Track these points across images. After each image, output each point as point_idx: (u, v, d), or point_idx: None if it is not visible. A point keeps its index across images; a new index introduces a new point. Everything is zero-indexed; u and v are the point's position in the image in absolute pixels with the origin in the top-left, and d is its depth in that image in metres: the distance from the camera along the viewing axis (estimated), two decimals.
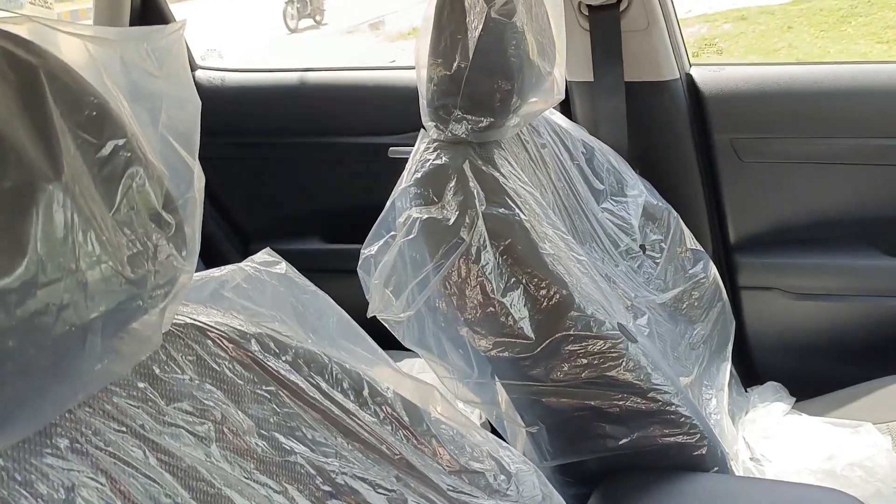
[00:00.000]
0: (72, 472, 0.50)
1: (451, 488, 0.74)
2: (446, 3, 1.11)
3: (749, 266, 1.71)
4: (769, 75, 1.66)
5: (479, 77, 1.09)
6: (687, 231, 1.53)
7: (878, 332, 1.65)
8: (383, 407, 0.74)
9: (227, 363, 0.66)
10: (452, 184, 1.08)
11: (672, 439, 1.07)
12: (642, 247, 1.49)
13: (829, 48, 5.03)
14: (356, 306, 1.11)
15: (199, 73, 2.06)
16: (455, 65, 1.10)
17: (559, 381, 1.03)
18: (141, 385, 0.58)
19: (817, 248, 1.67)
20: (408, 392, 0.79)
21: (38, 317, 0.44)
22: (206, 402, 0.62)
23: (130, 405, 0.56)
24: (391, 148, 1.87)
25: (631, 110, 1.62)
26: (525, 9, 1.13)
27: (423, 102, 1.17)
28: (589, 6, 1.58)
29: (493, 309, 1.02)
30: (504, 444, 0.84)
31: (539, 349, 1.02)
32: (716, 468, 1.11)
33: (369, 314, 1.06)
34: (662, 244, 1.50)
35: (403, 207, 1.11)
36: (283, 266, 0.82)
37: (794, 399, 1.52)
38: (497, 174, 1.11)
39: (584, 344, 1.02)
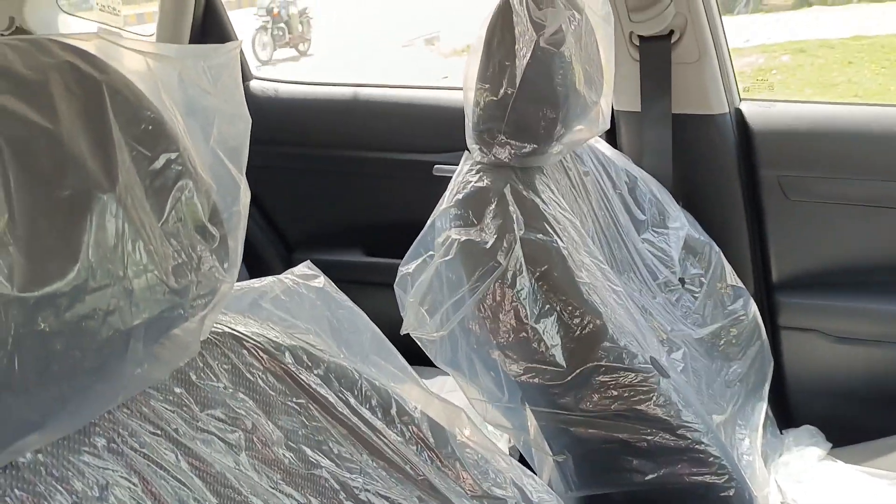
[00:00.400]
0: (107, 470, 0.51)
1: None
2: (496, 29, 1.13)
3: (790, 306, 1.68)
4: (820, 114, 1.64)
5: (525, 104, 1.10)
6: (728, 267, 1.52)
7: None
8: (410, 427, 0.75)
9: (260, 373, 0.67)
10: (492, 207, 1.09)
11: (700, 478, 1.06)
12: (681, 280, 1.48)
13: (889, 86, 4.92)
14: (392, 320, 1.13)
15: (253, 83, 2.11)
16: (502, 91, 1.12)
17: (588, 412, 1.02)
18: (177, 390, 0.60)
19: (861, 292, 1.64)
20: (435, 412, 0.80)
21: (86, 320, 0.46)
22: (238, 410, 0.64)
23: (166, 409, 0.58)
24: (436, 166, 1.89)
25: (677, 142, 1.61)
26: (574, 38, 1.14)
27: (468, 125, 1.19)
28: (640, 37, 1.59)
29: (525, 334, 1.02)
30: (528, 472, 0.84)
31: (570, 378, 1.02)
32: None
33: (403, 331, 1.07)
34: (702, 278, 1.49)
35: (443, 228, 1.12)
36: (321, 280, 0.84)
37: (831, 445, 1.49)
38: (537, 200, 1.12)
39: (615, 375, 1.02)
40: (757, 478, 1.34)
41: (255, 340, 0.69)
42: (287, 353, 0.71)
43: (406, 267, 1.13)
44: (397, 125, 2.01)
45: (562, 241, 1.08)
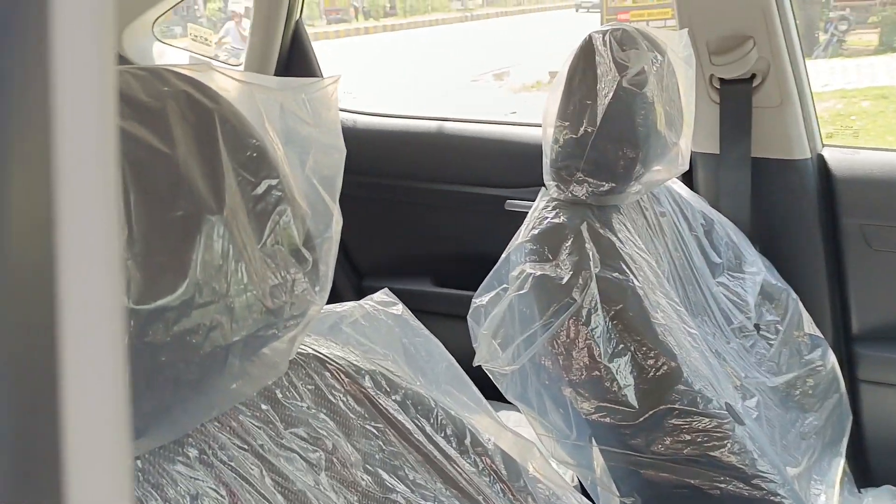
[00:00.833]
0: (197, 481, 0.54)
1: None
2: (578, 68, 1.15)
3: (871, 359, 1.62)
4: None
5: (605, 143, 1.11)
6: (806, 315, 1.48)
7: None
8: (483, 458, 0.76)
9: (341, 396, 0.69)
10: (569, 243, 1.10)
11: None
12: (757, 326, 1.45)
13: None
14: (460, 351, 1.14)
15: None
16: (582, 129, 1.13)
17: (660, 455, 1.01)
18: (264, 407, 0.62)
19: None
20: (507, 445, 0.80)
21: (191, 335, 0.49)
22: (319, 430, 0.65)
23: (253, 425, 0.60)
24: (508, 201, 1.90)
25: (756, 186, 1.59)
26: (657, 80, 1.14)
27: (546, 161, 1.20)
28: (721, 79, 1.58)
29: (598, 373, 1.02)
30: None
31: (642, 419, 1.01)
32: None
33: (475, 363, 1.08)
34: (778, 325, 1.46)
35: (518, 262, 1.13)
36: (399, 307, 0.86)
37: None
38: (614, 238, 1.12)
39: (688, 420, 1.00)
40: None
41: (337, 363, 0.71)
42: (367, 378, 0.72)
43: (480, 299, 1.14)
44: (471, 159, 2.03)
45: (637, 280, 1.08)
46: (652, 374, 1.01)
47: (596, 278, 1.05)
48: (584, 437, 1.09)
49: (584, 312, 1.03)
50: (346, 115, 2.18)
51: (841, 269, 1.63)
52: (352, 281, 2.19)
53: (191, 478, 0.53)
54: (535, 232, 1.14)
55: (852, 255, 1.61)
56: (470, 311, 1.14)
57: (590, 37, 1.16)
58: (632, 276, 1.08)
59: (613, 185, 1.14)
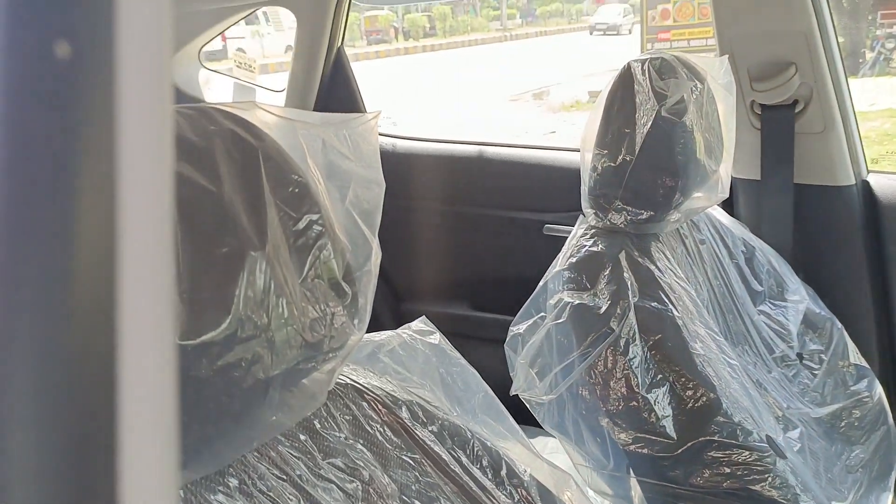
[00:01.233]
0: None
1: None
2: (617, 96, 1.15)
3: None
4: None
5: (644, 172, 1.11)
6: (851, 345, 1.45)
7: None
8: (519, 489, 0.76)
9: (378, 426, 0.70)
10: (607, 272, 1.10)
11: None
12: (800, 355, 1.42)
13: None
14: (498, 376, 1.14)
15: None
16: (620, 157, 1.13)
17: (698, 487, 1.00)
18: (302, 437, 0.63)
19: None
20: (543, 476, 0.80)
21: (234, 368, 0.50)
22: (356, 461, 0.66)
23: (292, 455, 0.61)
24: (546, 225, 1.90)
25: (798, 213, 1.57)
26: (696, 107, 1.14)
27: (584, 189, 1.20)
28: (762, 105, 1.56)
29: (636, 403, 1.01)
30: None
31: (680, 451, 1.00)
32: None
33: (513, 392, 1.08)
34: (822, 355, 1.43)
35: (555, 290, 1.13)
36: (436, 336, 0.86)
37: None
38: (652, 267, 1.12)
39: (728, 452, 0.99)
40: None
41: (374, 393, 0.72)
42: (404, 408, 0.73)
43: (517, 327, 1.14)
44: (510, 183, 2.04)
45: (676, 310, 1.07)
46: (690, 405, 1.00)
47: (634, 308, 1.05)
48: (621, 467, 1.09)
49: (622, 342, 1.02)
50: (386, 140, 2.21)
51: (887, 298, 1.59)
52: (390, 305, 2.21)
53: None
54: (574, 260, 1.14)
55: None
56: (507, 339, 1.14)
57: (629, 65, 1.16)
58: (670, 306, 1.07)
59: (652, 213, 1.14)
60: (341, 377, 0.71)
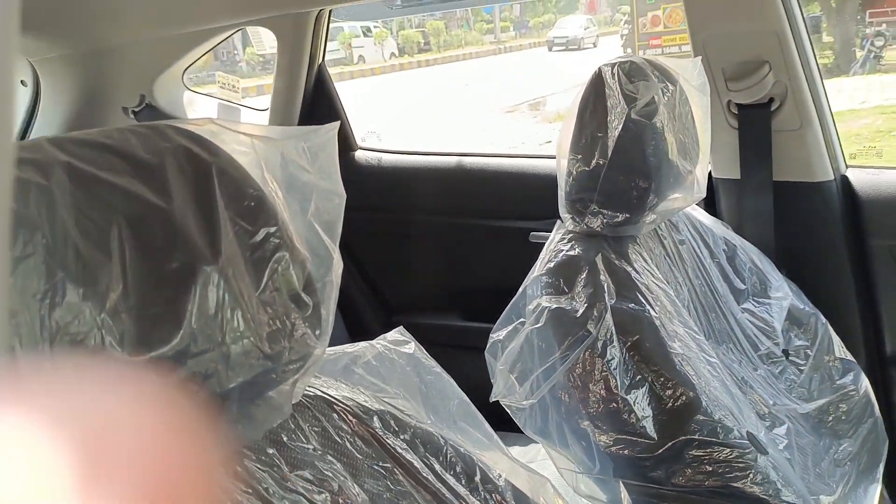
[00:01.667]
0: None
1: None
2: (589, 102, 1.16)
3: None
4: None
5: (617, 175, 1.11)
6: (836, 339, 1.45)
7: None
8: (493, 495, 0.76)
9: (349, 437, 0.70)
10: (583, 276, 1.10)
11: None
12: (785, 352, 1.42)
13: None
14: (488, 385, 1.14)
15: (358, 153, 2.21)
16: (594, 161, 1.13)
17: (681, 487, 1.00)
18: (270, 451, 0.63)
19: None
20: (520, 481, 0.80)
21: (187, 383, 0.50)
22: (325, 472, 0.66)
23: (258, 469, 0.62)
24: (532, 233, 1.91)
25: (779, 210, 1.57)
26: (667, 109, 1.15)
27: (561, 194, 1.21)
28: (739, 105, 1.57)
29: (616, 405, 1.01)
30: None
31: (661, 451, 1.00)
32: None
33: (492, 398, 1.08)
34: (808, 350, 1.43)
35: (534, 295, 1.14)
36: (412, 346, 0.87)
37: None
38: (630, 269, 1.12)
39: (709, 450, 0.99)
40: None
41: (344, 404, 0.72)
42: (375, 418, 0.73)
43: (497, 334, 1.14)
44: (495, 193, 2.05)
45: (654, 310, 1.08)
46: (670, 404, 1.01)
47: (611, 310, 1.05)
48: (607, 470, 1.09)
49: (600, 345, 1.03)
50: (372, 154, 2.22)
51: (871, 292, 1.60)
52: (381, 317, 2.21)
53: None
54: (551, 265, 1.14)
55: (882, 277, 1.58)
56: (487, 346, 1.15)
57: (599, 70, 1.17)
58: (648, 307, 1.07)
59: (628, 215, 1.14)
60: (310, 389, 0.71)
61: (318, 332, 0.63)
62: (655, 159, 1.12)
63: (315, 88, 2.10)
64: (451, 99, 9.73)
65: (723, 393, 1.06)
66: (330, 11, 2.04)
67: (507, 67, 11.38)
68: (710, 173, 1.70)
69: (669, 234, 1.32)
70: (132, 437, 0.24)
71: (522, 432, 1.15)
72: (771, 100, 1.55)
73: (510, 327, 1.14)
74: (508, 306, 1.17)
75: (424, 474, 0.73)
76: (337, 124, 0.68)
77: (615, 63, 1.15)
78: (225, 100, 2.37)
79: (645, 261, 1.17)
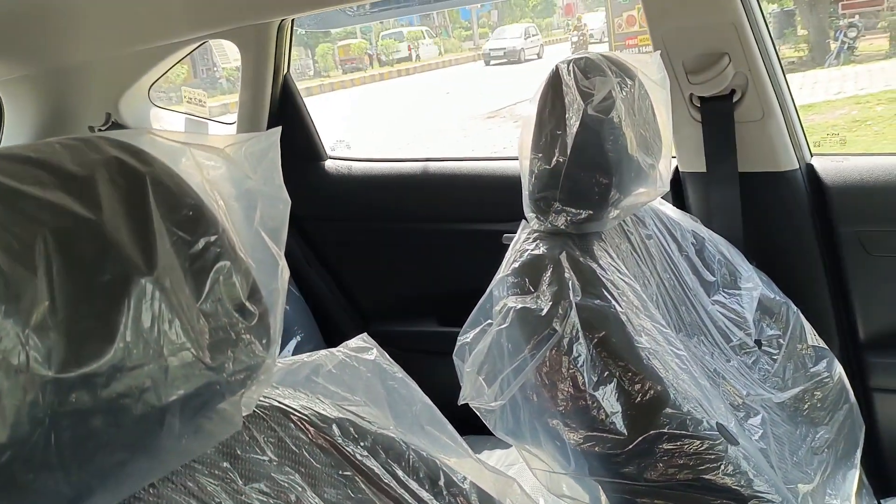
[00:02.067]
0: None
1: None
2: (548, 99, 1.15)
3: (881, 366, 1.59)
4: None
5: (577, 172, 1.11)
6: (809, 327, 1.46)
7: None
8: (458, 498, 0.75)
9: (306, 447, 0.69)
10: (548, 274, 1.10)
11: None
12: (758, 342, 1.42)
13: None
14: None
15: (328, 162, 2.20)
16: (554, 159, 1.13)
17: (653, 482, 0.99)
18: (224, 464, 0.62)
19: None
20: (485, 483, 0.80)
21: (122, 398, 0.49)
22: (282, 483, 0.65)
23: (210, 483, 0.60)
24: (504, 235, 1.90)
25: (746, 201, 1.58)
26: (625, 104, 1.15)
27: (525, 194, 1.20)
28: (701, 98, 1.58)
29: (584, 402, 1.01)
30: None
31: (632, 445, 0.99)
32: None
33: (461, 401, 1.07)
34: (780, 340, 1.44)
35: (500, 296, 1.13)
36: (373, 352, 0.86)
37: None
38: (594, 265, 1.12)
39: (679, 443, 0.99)
40: None
41: (301, 414, 0.71)
42: (334, 426, 0.72)
43: (464, 336, 1.14)
44: (465, 196, 2.04)
45: (620, 306, 1.07)
46: (639, 399, 1.00)
47: (576, 307, 1.04)
48: (582, 468, 1.08)
49: (566, 342, 1.02)
50: (342, 163, 2.21)
51: (841, 278, 1.61)
52: (357, 325, 2.20)
53: None
54: (516, 265, 1.14)
55: (851, 263, 1.58)
56: (455, 349, 1.14)
57: (556, 67, 1.17)
58: (614, 302, 1.07)
59: (591, 212, 1.14)
60: (266, 400, 0.70)
61: (265, 341, 0.62)
62: (615, 154, 1.12)
63: (282, 99, 2.09)
64: (433, 106, 9.73)
65: (692, 385, 1.06)
66: (293, 21, 2.03)
67: (488, 73, 11.37)
68: (676, 167, 1.70)
69: (636, 229, 1.32)
70: None
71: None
72: (733, 91, 1.56)
73: (477, 329, 1.13)
74: (475, 308, 1.17)
75: (386, 481, 0.72)
76: (278, 130, 0.67)
77: (571, 60, 1.15)
78: (193, 115, 2.35)
79: (611, 257, 1.17)
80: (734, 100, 1.56)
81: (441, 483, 0.75)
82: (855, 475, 1.38)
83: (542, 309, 1.05)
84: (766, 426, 1.28)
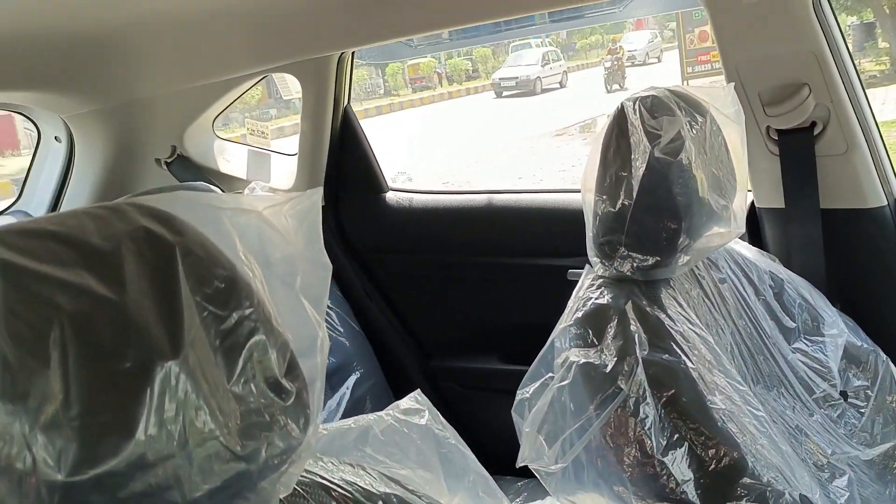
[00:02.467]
0: None
1: None
2: (612, 140, 1.10)
3: None
4: None
5: (644, 216, 1.05)
6: None
7: None
8: None
9: None
10: (613, 325, 1.03)
11: None
12: (843, 393, 1.32)
13: None
14: None
15: (389, 194, 2.17)
16: (619, 202, 1.07)
17: None
18: None
19: None
20: None
21: (141, 498, 0.45)
22: None
23: None
24: (570, 271, 1.83)
25: (829, 240, 1.48)
26: (695, 143, 1.08)
27: (588, 236, 1.14)
28: (779, 130, 1.49)
29: (653, 469, 0.94)
30: None
31: None
32: None
33: (519, 463, 1.01)
34: (868, 391, 1.33)
35: (562, 348, 1.07)
36: (426, 415, 0.81)
37: None
38: (663, 315, 1.05)
39: None
40: None
41: (344, 490, 0.66)
42: (379, 503, 0.67)
43: (524, 391, 1.08)
44: (529, 230, 1.98)
45: (691, 360, 1.00)
46: (713, 466, 0.92)
47: (643, 362, 0.98)
48: None
49: (632, 402, 0.95)
50: (403, 195, 2.18)
51: None
52: (419, 362, 2.15)
53: None
54: (579, 315, 1.08)
55: None
56: (514, 404, 1.08)
57: (622, 105, 1.11)
58: (684, 357, 1.00)
59: (658, 258, 1.07)
60: (306, 475, 0.66)
61: (302, 422, 0.57)
62: (684, 198, 1.05)
63: (342, 130, 2.08)
64: (502, 124, 9.68)
65: (772, 451, 0.98)
66: (353, 54, 2.02)
67: (557, 90, 11.25)
68: (752, 203, 1.61)
69: (708, 274, 1.24)
70: None
71: None
72: (813, 123, 1.46)
73: (537, 383, 1.07)
74: (536, 359, 1.11)
75: None
76: (319, 190, 0.63)
77: (637, 98, 1.09)
78: (255, 146, 2.37)
79: (680, 305, 1.10)
80: (815, 132, 1.46)
81: None
82: None
83: (607, 365, 0.98)
84: (853, 487, 1.18)
